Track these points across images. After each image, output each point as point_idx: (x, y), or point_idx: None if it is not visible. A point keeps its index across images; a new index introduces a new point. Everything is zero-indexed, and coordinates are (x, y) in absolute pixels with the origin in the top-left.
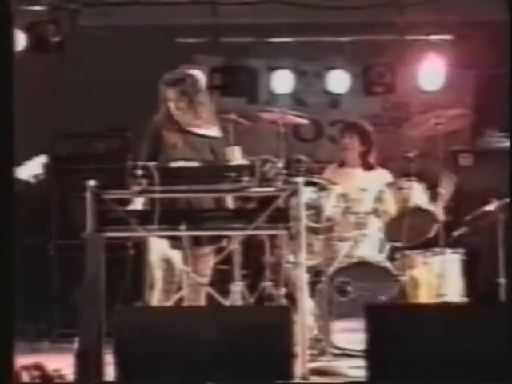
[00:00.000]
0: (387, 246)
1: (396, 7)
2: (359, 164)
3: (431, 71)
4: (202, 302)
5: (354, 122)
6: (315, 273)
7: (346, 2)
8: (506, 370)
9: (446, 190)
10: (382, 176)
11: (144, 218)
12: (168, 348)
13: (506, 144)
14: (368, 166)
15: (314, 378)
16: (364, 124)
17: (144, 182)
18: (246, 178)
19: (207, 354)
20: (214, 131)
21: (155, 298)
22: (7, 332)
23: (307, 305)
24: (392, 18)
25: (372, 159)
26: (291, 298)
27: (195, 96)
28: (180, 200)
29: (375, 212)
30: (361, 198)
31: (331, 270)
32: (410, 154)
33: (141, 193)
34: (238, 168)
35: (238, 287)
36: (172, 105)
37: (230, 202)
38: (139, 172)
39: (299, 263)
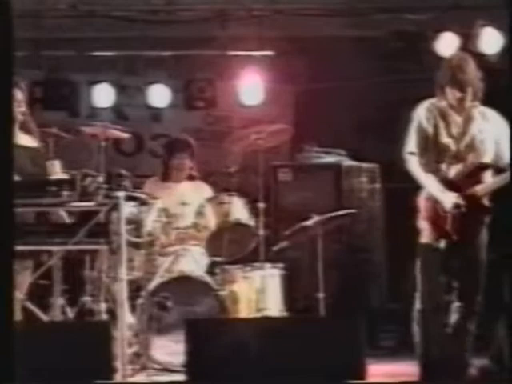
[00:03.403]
0: (208, 261)
1: (218, 22)
2: (183, 179)
3: (252, 86)
4: (21, 317)
5: (182, 138)
6: (136, 288)
7: (167, 16)
8: (325, 380)
9: None
10: (203, 190)
11: None
12: None
13: (326, 159)
14: (191, 180)
15: None
16: (190, 140)
17: None
18: (66, 193)
19: (27, 370)
20: (35, 143)
21: None
22: (7, 332)
23: (127, 320)
24: (213, 32)
25: (194, 173)
26: (112, 313)
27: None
28: None
29: (196, 227)
30: (182, 212)
31: (152, 284)
32: (231, 169)
33: None
34: (58, 182)
35: (58, 302)
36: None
37: (50, 216)
38: None
39: (120, 278)
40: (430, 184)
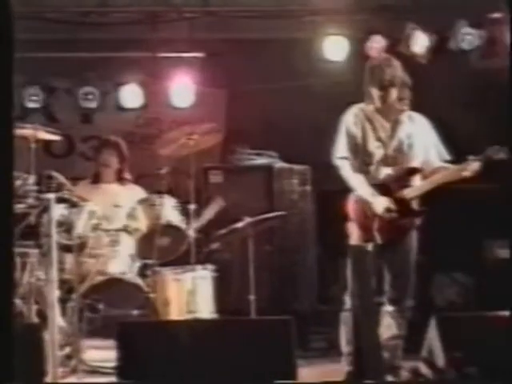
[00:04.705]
0: (139, 263)
1: (149, 24)
2: (114, 180)
3: (183, 88)
4: None
5: (110, 138)
6: (67, 290)
7: (99, 18)
8: (255, 382)
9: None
10: (135, 193)
11: None
12: None
13: (257, 161)
14: (122, 183)
15: None
16: (119, 140)
17: None
18: None
19: None
20: None
21: None
22: (7, 332)
23: (58, 322)
24: (144, 34)
25: (127, 175)
26: (42, 315)
27: None
28: None
29: (127, 229)
30: (113, 214)
31: (83, 287)
32: (162, 171)
33: None
34: None
35: None
36: None
37: None
38: None
39: (50, 280)
40: (362, 188)
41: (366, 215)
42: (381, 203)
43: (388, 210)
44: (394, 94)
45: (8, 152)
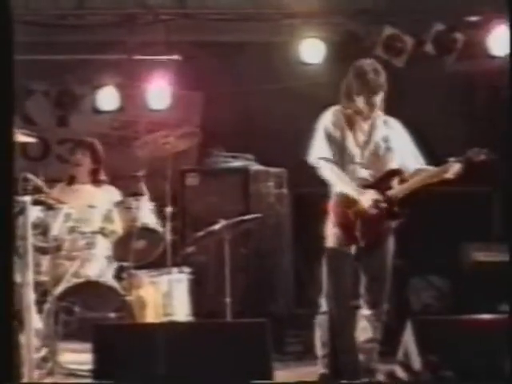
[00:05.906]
0: (115, 266)
1: (125, 26)
2: (89, 181)
3: (159, 91)
4: None
5: (85, 139)
6: (42, 292)
7: (76, 20)
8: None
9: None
10: (111, 195)
11: None
12: None
13: (233, 164)
14: (97, 184)
15: None
16: (94, 141)
17: None
18: None
19: None
20: None
21: None
22: (7, 332)
23: (34, 324)
24: (121, 37)
25: (102, 177)
26: (18, 317)
27: None
28: None
29: (103, 231)
30: (89, 217)
31: (58, 289)
32: (139, 174)
33: None
34: None
35: None
36: None
37: None
38: None
39: (26, 283)
40: (346, 186)
41: (348, 218)
42: (368, 197)
43: (376, 202)
44: (379, 100)
45: (8, 154)
